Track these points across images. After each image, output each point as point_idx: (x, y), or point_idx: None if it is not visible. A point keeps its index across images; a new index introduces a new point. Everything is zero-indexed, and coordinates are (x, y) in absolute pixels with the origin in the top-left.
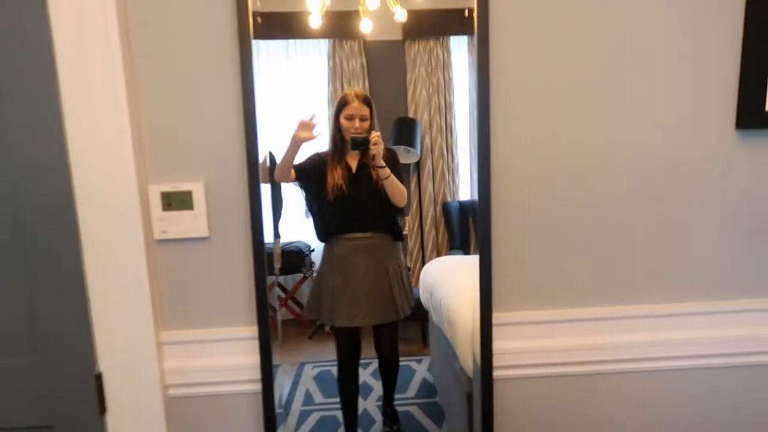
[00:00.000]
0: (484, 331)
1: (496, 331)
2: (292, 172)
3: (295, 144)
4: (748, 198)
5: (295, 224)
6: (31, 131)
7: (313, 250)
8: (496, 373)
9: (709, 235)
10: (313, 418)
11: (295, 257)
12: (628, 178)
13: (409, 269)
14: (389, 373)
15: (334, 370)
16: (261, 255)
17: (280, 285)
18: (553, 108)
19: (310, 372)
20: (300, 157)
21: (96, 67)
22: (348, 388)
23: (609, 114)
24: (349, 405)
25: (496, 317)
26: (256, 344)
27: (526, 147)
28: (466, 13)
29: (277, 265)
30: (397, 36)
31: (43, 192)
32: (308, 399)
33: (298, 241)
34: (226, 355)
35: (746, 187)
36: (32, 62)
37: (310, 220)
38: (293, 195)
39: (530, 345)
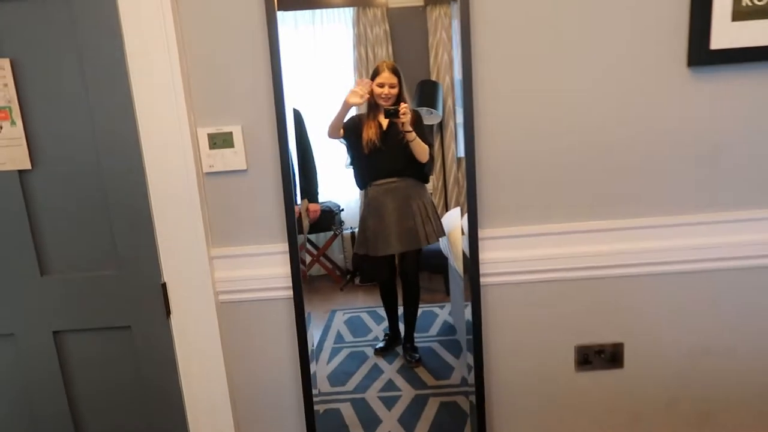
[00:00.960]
0: (471, 243)
1: (482, 245)
2: (341, 130)
3: (346, 107)
4: (701, 128)
5: (325, 185)
6: (104, 88)
7: (342, 210)
8: (482, 280)
9: (668, 160)
10: (344, 353)
11: (325, 216)
12: (598, 112)
13: (434, 205)
14: (410, 304)
15: (363, 316)
16: (288, 183)
17: (311, 242)
18: (530, 58)
19: (341, 318)
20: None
21: (154, 39)
22: (388, 297)
23: (579, 58)
24: (390, 308)
25: (482, 233)
26: (287, 257)
27: (506, 87)
28: None
29: (306, 222)
30: (419, 2)
31: (115, 138)
32: (339, 338)
33: (329, 201)
34: (263, 267)
35: (699, 118)
36: (104, 44)
37: (342, 182)
38: (324, 159)
39: (513, 255)
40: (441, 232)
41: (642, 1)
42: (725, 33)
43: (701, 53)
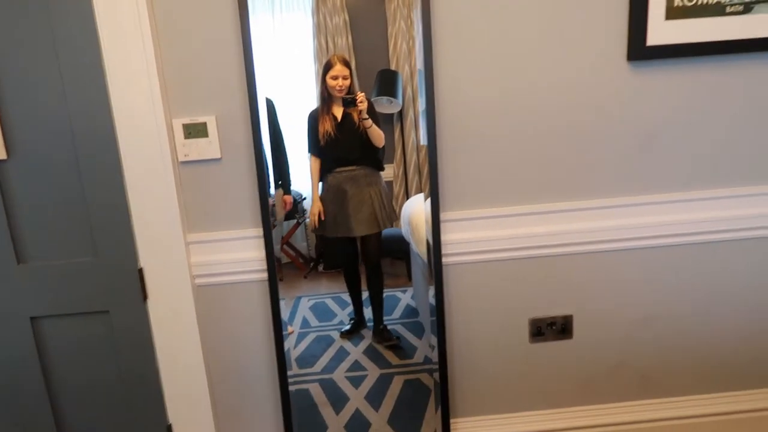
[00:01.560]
0: (434, 226)
1: (443, 227)
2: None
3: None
4: (639, 116)
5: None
6: (80, 78)
7: (305, 198)
8: (444, 260)
9: (610, 146)
10: (310, 337)
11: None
12: (548, 102)
13: (388, 192)
14: (376, 287)
15: (328, 301)
16: (262, 171)
17: None
18: (486, 51)
19: (306, 303)
20: (302, 123)
21: (129, 29)
22: (351, 282)
23: (531, 51)
24: (354, 292)
25: (444, 216)
26: (261, 241)
27: (464, 76)
28: None
29: (282, 213)
30: None
31: (91, 128)
32: (305, 323)
33: (292, 190)
34: (238, 251)
35: (636, 108)
36: (79, 34)
37: (302, 171)
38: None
39: (472, 236)
40: (393, 217)
41: (587, 3)
42: (660, 30)
43: (639, 49)
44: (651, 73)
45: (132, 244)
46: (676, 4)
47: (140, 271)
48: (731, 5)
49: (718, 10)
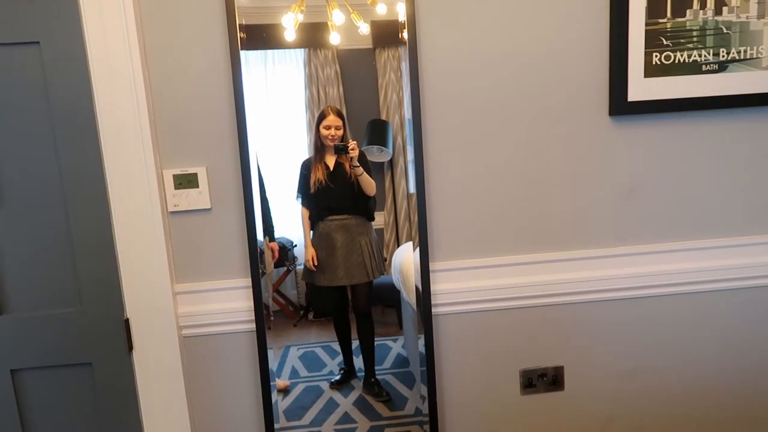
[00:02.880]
0: (423, 275)
1: (433, 277)
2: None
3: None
4: (620, 169)
5: (279, 221)
6: (71, 128)
7: (295, 245)
8: (434, 310)
9: (594, 198)
10: (299, 388)
11: (279, 252)
12: (534, 155)
13: (378, 242)
14: (366, 337)
15: (318, 351)
16: (252, 221)
17: None
18: (472, 106)
19: (295, 353)
20: (293, 172)
21: (122, 79)
22: (341, 331)
23: (517, 106)
24: (344, 342)
25: (433, 265)
26: (250, 292)
27: (453, 137)
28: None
29: (271, 261)
30: (368, 44)
31: (81, 179)
32: (294, 374)
33: (282, 237)
34: (226, 302)
35: (618, 161)
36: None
37: (292, 218)
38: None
39: (462, 286)
40: (383, 268)
41: (572, 58)
42: (640, 87)
43: (620, 104)
44: (632, 127)
45: (119, 294)
46: (654, 63)
47: (126, 322)
48: (707, 64)
49: (695, 69)
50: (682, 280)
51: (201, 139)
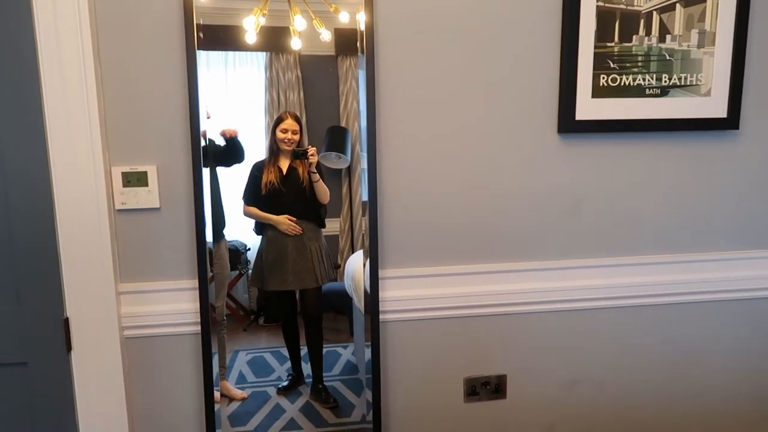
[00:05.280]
0: (372, 282)
1: (383, 284)
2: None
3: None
4: (567, 184)
5: (231, 224)
6: (16, 120)
7: (248, 249)
8: (382, 317)
9: (541, 211)
10: (246, 393)
11: (232, 255)
12: (484, 168)
13: (328, 248)
14: (314, 343)
15: (267, 356)
16: (201, 222)
17: None
18: (427, 117)
19: (243, 358)
20: (243, 174)
21: (73, 75)
22: (289, 334)
23: (469, 120)
24: (292, 348)
25: (383, 273)
26: (196, 293)
27: (408, 147)
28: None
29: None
30: (331, 51)
31: (25, 171)
32: (241, 378)
33: (235, 240)
34: (172, 303)
35: (565, 177)
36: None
37: (247, 221)
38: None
39: (410, 294)
40: (333, 274)
41: (523, 78)
42: (587, 107)
43: (568, 122)
44: (579, 145)
45: (59, 292)
46: (602, 84)
47: (66, 321)
48: (650, 88)
49: (639, 92)
50: (621, 294)
51: (153, 137)
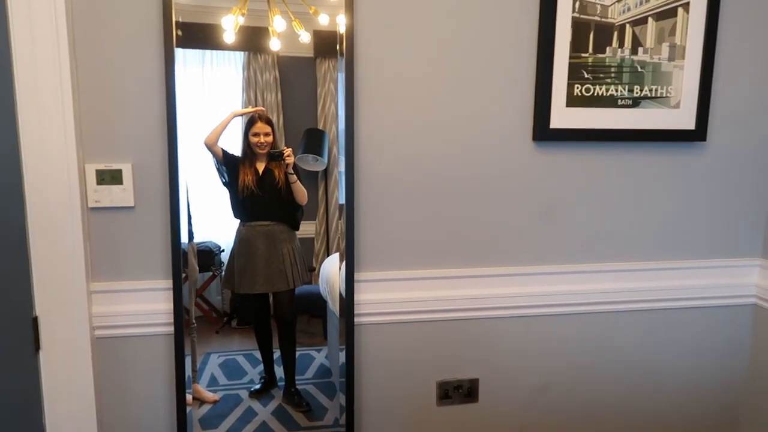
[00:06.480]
0: (348, 285)
1: (358, 287)
2: (220, 150)
3: (230, 117)
4: (541, 191)
5: (206, 225)
6: None
7: (223, 251)
8: (357, 320)
9: (516, 217)
10: (217, 396)
11: (205, 256)
12: (461, 175)
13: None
14: (287, 346)
15: (238, 359)
16: (176, 222)
17: None
18: (405, 120)
19: (215, 360)
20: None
21: (47, 71)
22: (262, 336)
23: (447, 126)
24: (265, 350)
25: (359, 275)
26: (170, 294)
27: (384, 151)
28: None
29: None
30: (309, 53)
31: None
32: (213, 381)
33: (208, 241)
34: (145, 303)
35: (539, 183)
36: None
37: (222, 222)
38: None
39: (385, 297)
40: (306, 277)
41: (500, 85)
42: (562, 115)
43: (543, 130)
44: (553, 152)
45: (28, 290)
46: (576, 94)
47: (35, 320)
48: (622, 99)
49: (612, 102)
50: (591, 300)
51: (128, 135)
